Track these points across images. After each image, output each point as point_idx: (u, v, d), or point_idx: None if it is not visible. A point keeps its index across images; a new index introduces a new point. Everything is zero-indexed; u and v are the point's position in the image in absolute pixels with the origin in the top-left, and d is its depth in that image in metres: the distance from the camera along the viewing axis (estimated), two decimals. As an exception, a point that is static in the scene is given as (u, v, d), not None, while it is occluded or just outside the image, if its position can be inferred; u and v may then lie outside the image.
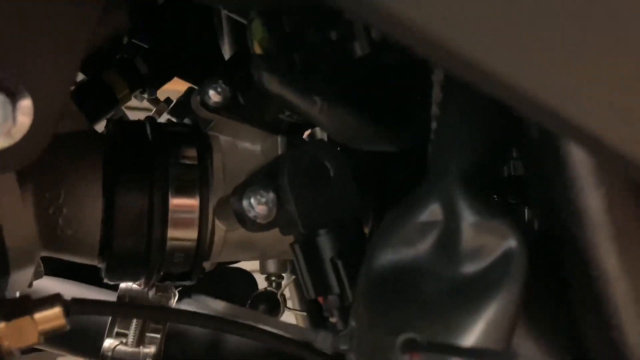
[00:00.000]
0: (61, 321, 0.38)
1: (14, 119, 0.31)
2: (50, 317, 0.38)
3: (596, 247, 0.29)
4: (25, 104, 0.31)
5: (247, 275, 0.76)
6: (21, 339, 0.37)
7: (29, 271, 0.49)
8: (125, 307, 0.54)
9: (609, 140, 0.24)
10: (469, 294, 0.31)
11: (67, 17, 0.30)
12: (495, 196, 0.36)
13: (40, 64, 0.31)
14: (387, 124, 0.41)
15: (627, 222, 0.30)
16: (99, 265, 0.49)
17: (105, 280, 0.49)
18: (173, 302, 0.74)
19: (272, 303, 0.57)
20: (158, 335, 0.72)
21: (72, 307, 0.38)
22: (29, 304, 0.38)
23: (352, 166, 0.43)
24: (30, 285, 0.54)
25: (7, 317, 0.36)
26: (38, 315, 0.37)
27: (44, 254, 0.49)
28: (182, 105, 0.58)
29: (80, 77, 0.54)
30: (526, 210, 0.43)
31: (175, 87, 0.63)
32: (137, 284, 0.54)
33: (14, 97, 0.30)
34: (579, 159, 0.29)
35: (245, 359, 0.75)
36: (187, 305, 0.75)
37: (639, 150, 0.24)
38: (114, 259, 0.47)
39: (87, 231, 0.46)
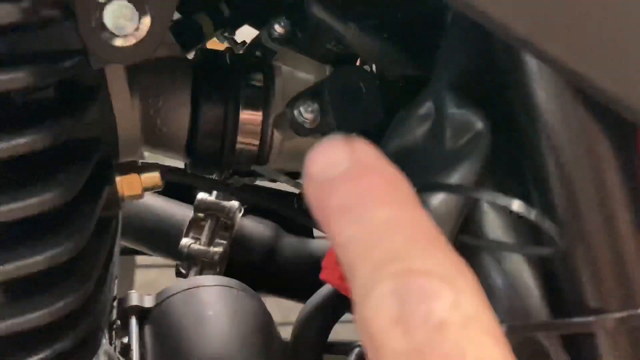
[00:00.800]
0: (158, 182, 0.52)
1: (139, 25, 0.45)
2: (151, 177, 0.52)
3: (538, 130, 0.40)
4: (146, 15, 0.45)
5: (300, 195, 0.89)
6: (131, 189, 0.51)
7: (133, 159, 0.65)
8: (201, 180, 0.68)
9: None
10: (452, 160, 0.43)
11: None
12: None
13: (157, -13, 0.45)
14: (411, 51, 0.53)
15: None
16: (184, 161, 0.64)
17: (189, 171, 0.64)
18: (239, 216, 0.88)
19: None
20: (224, 242, 0.87)
21: (167, 173, 0.53)
22: (136, 166, 0.53)
23: (379, 87, 0.55)
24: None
25: (122, 172, 0.51)
26: (143, 175, 0.52)
27: (144, 148, 0.64)
28: (253, 44, 0.71)
29: (177, 16, 0.69)
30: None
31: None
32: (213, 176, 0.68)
33: (140, 10, 0.45)
34: (530, 65, 0.40)
35: (296, 266, 0.89)
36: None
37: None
38: (196, 155, 0.61)
39: (178, 131, 0.61)
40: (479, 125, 0.42)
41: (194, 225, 0.86)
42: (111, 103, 0.57)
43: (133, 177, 0.51)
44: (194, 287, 0.65)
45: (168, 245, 0.88)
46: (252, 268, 0.88)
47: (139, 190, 0.51)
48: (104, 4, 0.44)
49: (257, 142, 0.62)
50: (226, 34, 0.74)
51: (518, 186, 0.44)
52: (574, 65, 0.34)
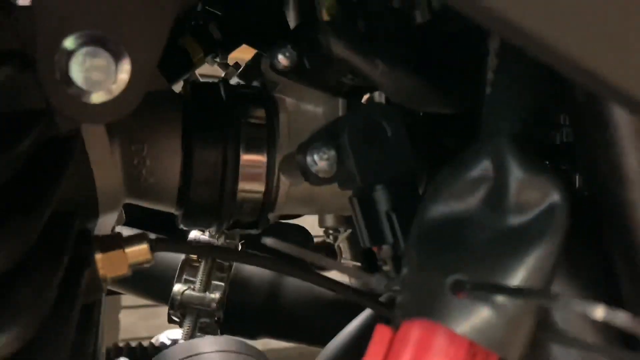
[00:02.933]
0: (148, 256, 0.43)
1: (115, 76, 0.35)
2: (139, 252, 0.43)
3: (633, 203, 0.32)
4: (125, 63, 0.35)
5: (303, 230, 0.81)
6: (114, 269, 0.42)
7: (114, 215, 0.55)
8: (200, 247, 0.59)
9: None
10: (514, 243, 0.34)
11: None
12: (547, 162, 0.38)
13: (138, 28, 0.35)
14: (442, 88, 0.44)
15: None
16: (176, 213, 0.55)
17: (181, 226, 0.55)
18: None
19: (330, 253, 0.62)
20: (222, 283, 0.78)
21: (157, 244, 0.44)
22: (121, 240, 0.43)
23: (407, 127, 0.46)
24: (113, 229, 0.60)
25: (103, 250, 0.42)
26: (129, 250, 0.43)
27: (128, 200, 0.54)
28: (250, 69, 0.62)
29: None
30: (577, 177, 0.46)
31: (241, 56, 0.67)
32: (208, 231, 0.59)
33: (116, 58, 0.35)
34: (621, 121, 0.31)
35: (301, 308, 0.80)
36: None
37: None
38: (190, 206, 0.52)
39: (167, 181, 0.51)
40: (554, 195, 0.33)
41: (187, 267, 0.77)
42: (87, 154, 0.47)
43: (117, 254, 0.42)
44: (193, 355, 0.56)
45: (159, 289, 0.79)
46: (253, 311, 0.79)
47: (124, 269, 0.42)
48: (71, 52, 0.34)
49: (261, 189, 0.53)
50: (217, 59, 0.64)
51: (596, 257, 0.36)
52: None
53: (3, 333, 0.26)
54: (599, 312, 0.28)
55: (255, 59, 0.63)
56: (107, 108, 0.37)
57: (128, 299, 1.02)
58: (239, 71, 0.64)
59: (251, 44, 0.64)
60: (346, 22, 0.41)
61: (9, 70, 0.34)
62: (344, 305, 0.80)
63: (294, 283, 0.80)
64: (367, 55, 0.40)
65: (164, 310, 0.77)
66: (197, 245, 0.64)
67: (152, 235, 0.46)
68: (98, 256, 0.42)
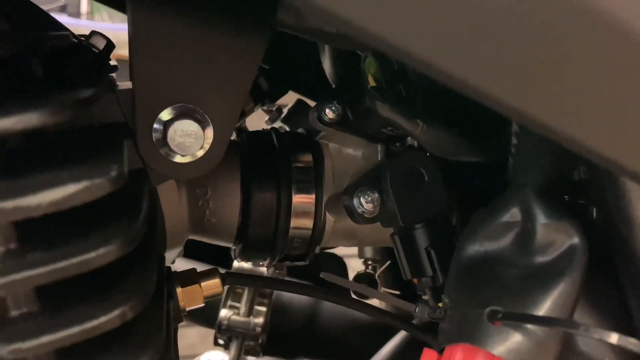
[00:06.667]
0: (219, 289, 0.50)
1: (203, 142, 0.42)
2: (212, 285, 0.50)
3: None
4: (209, 129, 0.42)
5: (336, 257, 0.87)
6: (191, 301, 0.49)
7: (178, 250, 0.62)
8: (266, 280, 0.65)
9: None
10: (540, 279, 0.40)
11: (239, 71, 0.41)
12: (566, 197, 0.44)
13: (220, 100, 0.42)
14: (474, 140, 0.51)
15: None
16: (234, 248, 0.61)
17: (238, 260, 0.61)
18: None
19: (371, 282, 0.68)
20: (264, 309, 0.84)
21: (227, 278, 0.50)
22: (196, 275, 0.50)
23: (441, 170, 0.53)
24: (173, 262, 0.67)
25: (182, 284, 0.49)
26: (204, 284, 0.49)
27: (191, 237, 0.61)
28: (293, 115, 0.69)
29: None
30: (594, 209, 0.52)
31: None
32: (261, 264, 0.65)
33: (203, 126, 0.42)
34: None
35: (336, 331, 0.86)
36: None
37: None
38: (247, 243, 0.59)
39: (227, 220, 0.58)
40: (574, 238, 0.40)
41: (232, 293, 0.83)
42: (159, 201, 0.54)
43: (194, 288, 0.48)
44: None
45: (205, 315, 0.85)
46: (293, 334, 0.86)
47: (200, 300, 0.49)
48: (167, 123, 0.41)
49: (310, 226, 0.59)
50: (264, 108, 0.72)
51: (613, 288, 0.42)
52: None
53: (119, 307, 0.31)
54: (613, 338, 0.34)
55: (297, 105, 0.70)
56: (192, 167, 0.44)
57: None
58: (282, 116, 0.71)
59: (296, 90, 0.71)
60: (390, 87, 0.48)
61: (117, 137, 0.41)
62: (376, 329, 0.86)
63: (329, 308, 0.86)
64: (409, 116, 0.46)
65: (190, 330, 0.83)
66: (262, 277, 0.70)
67: (222, 270, 0.53)
68: (178, 290, 0.48)
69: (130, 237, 0.32)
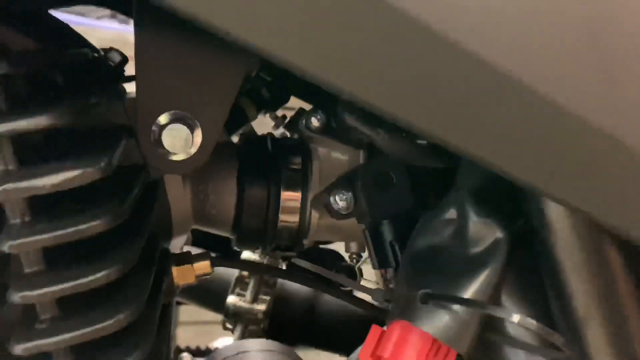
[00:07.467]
0: (209, 269, 0.58)
1: (192, 143, 0.51)
2: (202, 266, 0.58)
3: (553, 244, 0.44)
4: (198, 132, 0.51)
5: (336, 253, 0.94)
6: (184, 278, 0.57)
7: (184, 238, 0.71)
8: (248, 263, 0.74)
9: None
10: (469, 267, 0.47)
11: (225, 85, 0.50)
12: (499, 198, 0.51)
13: (209, 108, 0.50)
14: (433, 148, 0.57)
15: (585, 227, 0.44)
16: (231, 237, 0.70)
17: (235, 247, 0.70)
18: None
19: (351, 274, 0.75)
20: (268, 297, 0.93)
21: (216, 261, 0.59)
22: (189, 257, 0.59)
23: (410, 175, 0.60)
24: (182, 248, 0.76)
25: (177, 264, 0.57)
26: (195, 264, 0.58)
27: (194, 226, 0.70)
28: (293, 122, 0.77)
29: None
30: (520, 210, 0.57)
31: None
32: (255, 252, 0.74)
33: (192, 129, 0.50)
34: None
35: (334, 321, 0.94)
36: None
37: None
38: (242, 232, 0.67)
39: (225, 212, 0.66)
40: (498, 233, 0.46)
41: (240, 282, 0.92)
42: (166, 192, 0.63)
43: (186, 267, 0.57)
44: (242, 352, 0.70)
45: (215, 301, 0.94)
46: (293, 323, 0.93)
47: (192, 279, 0.57)
48: (163, 126, 0.50)
49: (296, 220, 0.67)
50: (267, 114, 0.80)
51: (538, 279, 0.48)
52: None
53: (120, 313, 0.41)
54: (515, 318, 0.41)
55: (297, 114, 0.78)
56: (185, 163, 0.52)
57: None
58: (285, 122, 0.79)
59: (297, 96, 0.80)
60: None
61: (124, 137, 0.50)
62: (372, 320, 0.93)
63: (328, 300, 0.94)
64: (372, 125, 0.54)
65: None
66: (246, 262, 0.78)
67: (213, 254, 0.61)
68: (173, 268, 0.57)
69: (117, 215, 0.40)
